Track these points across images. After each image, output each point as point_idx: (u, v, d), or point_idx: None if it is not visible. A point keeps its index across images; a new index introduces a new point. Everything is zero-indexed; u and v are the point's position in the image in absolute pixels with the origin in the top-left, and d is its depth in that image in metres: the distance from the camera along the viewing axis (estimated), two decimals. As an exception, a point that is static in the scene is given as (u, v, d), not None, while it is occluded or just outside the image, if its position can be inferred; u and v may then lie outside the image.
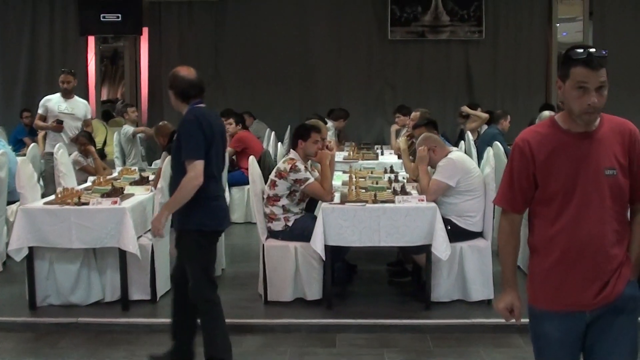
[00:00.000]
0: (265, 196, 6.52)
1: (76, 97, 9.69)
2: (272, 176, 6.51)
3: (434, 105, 12.90)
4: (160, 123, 8.14)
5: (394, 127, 10.94)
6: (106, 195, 6.65)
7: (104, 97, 16.29)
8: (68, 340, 5.85)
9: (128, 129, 11.31)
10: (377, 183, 7.14)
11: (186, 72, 5.02)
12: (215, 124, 4.93)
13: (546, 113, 8.89)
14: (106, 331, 5.99)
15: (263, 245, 6.45)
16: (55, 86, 14.90)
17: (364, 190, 6.67)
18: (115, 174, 8.50)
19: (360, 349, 5.58)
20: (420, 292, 6.47)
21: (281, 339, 5.78)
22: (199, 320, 5.01)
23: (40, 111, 9.40)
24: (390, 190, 6.69)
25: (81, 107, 9.64)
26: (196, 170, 4.66)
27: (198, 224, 4.81)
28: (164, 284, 6.65)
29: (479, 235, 6.45)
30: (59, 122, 9.26)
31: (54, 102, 9.42)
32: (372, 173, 8.06)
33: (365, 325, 5.95)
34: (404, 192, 6.48)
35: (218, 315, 4.93)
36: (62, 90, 9.46)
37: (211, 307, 4.90)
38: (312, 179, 6.41)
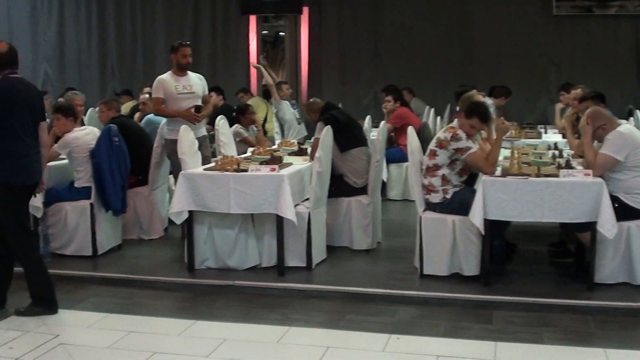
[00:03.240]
0: (424, 167, 6.42)
1: (190, 73, 7.81)
2: (431, 146, 6.39)
3: (599, 84, 12.30)
4: (310, 100, 8.18)
5: (559, 106, 10.49)
6: (265, 163, 6.75)
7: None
8: (224, 301, 5.98)
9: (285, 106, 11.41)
10: (540, 158, 6.89)
11: None
12: (21, 91, 5.51)
13: None
14: (261, 294, 6.09)
15: (420, 217, 6.36)
16: (217, 65, 15.51)
17: (526, 165, 6.45)
18: (275, 146, 8.62)
19: (517, 326, 5.38)
20: (582, 273, 6.18)
21: (435, 312, 5.68)
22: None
23: (160, 94, 7.57)
24: (554, 165, 6.44)
25: (198, 83, 7.84)
26: None
27: (4, 178, 5.42)
28: (319, 252, 6.73)
29: (648, 214, 6.10)
30: (197, 109, 7.67)
31: (168, 82, 7.64)
32: (535, 149, 7.80)
33: (524, 303, 5.75)
34: (568, 166, 6.22)
35: (35, 259, 5.63)
36: (183, 65, 7.65)
37: (26, 251, 5.57)
38: (474, 148, 6.26)
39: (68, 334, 5.24)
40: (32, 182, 5.64)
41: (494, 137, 6.60)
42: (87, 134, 7.25)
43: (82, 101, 8.78)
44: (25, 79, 5.76)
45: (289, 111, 11.26)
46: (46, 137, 5.82)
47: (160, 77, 7.64)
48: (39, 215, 6.97)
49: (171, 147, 7.30)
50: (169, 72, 7.69)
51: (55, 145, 7.10)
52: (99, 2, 16.21)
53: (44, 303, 5.62)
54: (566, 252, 6.85)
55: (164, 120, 7.81)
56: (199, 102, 7.73)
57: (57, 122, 7.26)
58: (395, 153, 9.80)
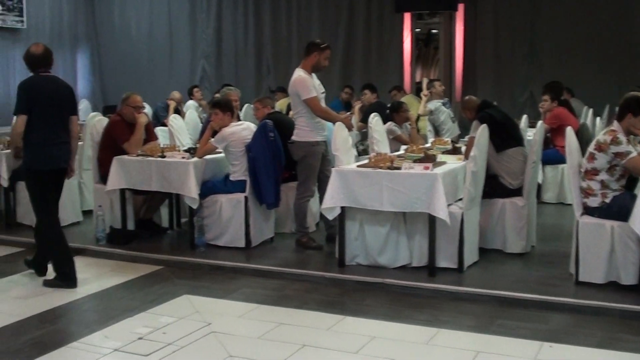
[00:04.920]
0: (582, 170, 6.21)
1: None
2: (590, 149, 6.18)
3: None
4: (466, 97, 8.06)
5: None
6: (418, 161, 6.71)
7: (418, 77, 16.51)
8: (373, 298, 6.01)
9: (436, 104, 11.35)
10: None
11: (34, 48, 6.29)
12: (47, 88, 6.21)
13: None
14: (410, 294, 6.07)
15: (577, 221, 6.16)
16: (371, 63, 15.60)
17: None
18: (428, 145, 8.56)
19: (679, 340, 5.15)
20: None
21: (590, 321, 5.49)
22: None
23: (314, 93, 7.26)
24: None
25: None
26: (17, 122, 6.12)
27: (27, 164, 6.29)
28: (471, 254, 6.64)
29: None
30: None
31: (316, 82, 7.42)
32: None
33: (687, 316, 5.47)
34: None
35: (53, 236, 6.34)
36: (322, 67, 7.40)
37: (45, 229, 6.38)
38: (635, 153, 6.01)
39: (220, 323, 5.40)
40: (56, 168, 6.31)
41: None
42: (243, 129, 7.44)
43: (237, 97, 9.03)
44: (59, 78, 6.51)
45: (443, 111, 11.18)
46: (76, 129, 6.49)
47: (301, 75, 7.28)
48: (194, 206, 7.22)
49: (310, 149, 7.30)
50: (302, 69, 7.34)
51: (213, 139, 7.34)
52: (255, 1, 16.63)
53: (63, 277, 6.29)
54: None
55: None
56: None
57: (215, 116, 7.49)
58: (551, 154, 9.54)
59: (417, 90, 13.94)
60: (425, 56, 17.62)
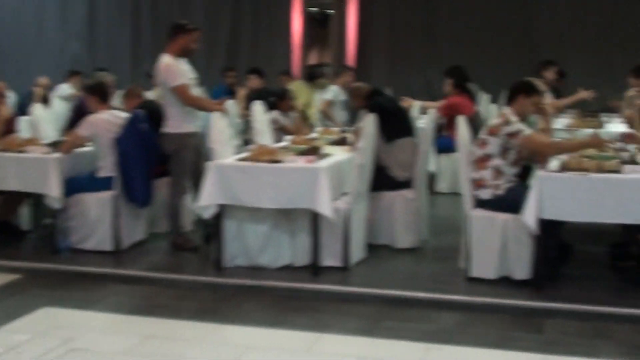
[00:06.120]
0: (474, 159, 6.25)
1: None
2: (481, 135, 6.24)
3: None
4: (355, 85, 8.05)
5: (630, 92, 10.14)
6: (302, 154, 6.62)
7: (314, 60, 16.43)
8: (252, 303, 5.89)
9: (336, 92, 11.31)
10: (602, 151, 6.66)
11: None
12: None
13: None
14: (293, 297, 5.97)
15: (468, 215, 6.20)
16: (259, 46, 15.45)
17: (586, 159, 6.22)
18: (314, 134, 8.49)
19: (571, 337, 5.20)
20: (646, 280, 5.98)
21: (482, 320, 5.52)
22: None
23: (185, 80, 7.07)
24: (617, 160, 6.21)
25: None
26: None
27: None
28: (358, 251, 6.61)
29: None
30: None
31: (185, 68, 7.18)
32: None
33: (580, 311, 5.56)
34: (633, 162, 6.00)
35: None
36: (191, 51, 7.14)
37: None
38: (528, 130, 6.08)
39: (82, 338, 5.14)
40: None
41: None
42: (116, 117, 7.21)
43: (111, 82, 8.73)
44: None
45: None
46: None
47: (168, 60, 7.00)
48: (57, 206, 6.94)
49: (182, 141, 7.09)
50: (167, 54, 7.04)
51: (78, 127, 7.07)
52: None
53: None
54: (628, 254, 6.62)
55: None
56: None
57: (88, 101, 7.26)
58: (446, 142, 9.57)
59: (307, 74, 13.85)
60: (322, 38, 17.54)
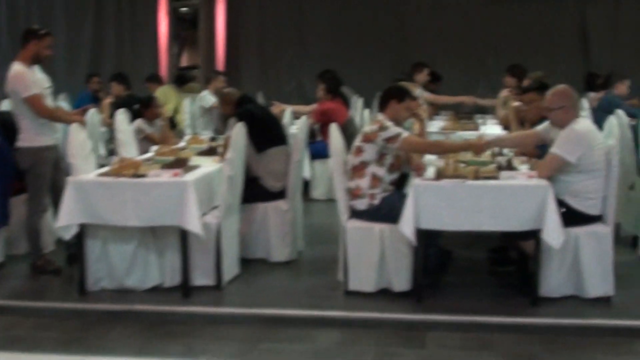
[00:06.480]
0: (349, 167, 6.15)
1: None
2: (357, 142, 6.15)
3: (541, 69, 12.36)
4: (225, 90, 7.87)
5: (503, 93, 10.27)
6: (167, 166, 6.38)
7: (185, 63, 16.12)
8: (120, 330, 5.61)
9: (209, 99, 11.09)
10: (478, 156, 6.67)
11: None
12: None
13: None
14: (163, 321, 5.73)
15: (344, 226, 6.10)
16: (124, 49, 15.03)
17: (463, 165, 6.21)
18: (182, 144, 8.24)
19: (453, 350, 5.19)
20: (526, 286, 6.00)
21: (361, 336, 5.44)
22: None
23: (38, 90, 6.70)
24: (494, 165, 6.21)
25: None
26: None
27: None
28: (231, 268, 6.42)
29: (597, 219, 5.92)
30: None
31: (38, 76, 6.84)
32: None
33: (461, 322, 5.55)
34: (510, 167, 6.02)
35: None
36: (44, 57, 6.81)
37: None
38: (406, 133, 6.06)
39: None
40: None
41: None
42: None
43: None
44: None
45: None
46: None
47: (19, 68, 6.62)
48: None
49: (38, 156, 6.73)
50: (19, 62, 6.67)
51: None
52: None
53: None
54: (508, 259, 6.66)
55: None
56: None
57: None
58: (320, 148, 9.52)
59: (175, 79, 13.55)
60: (193, 39, 17.23)
